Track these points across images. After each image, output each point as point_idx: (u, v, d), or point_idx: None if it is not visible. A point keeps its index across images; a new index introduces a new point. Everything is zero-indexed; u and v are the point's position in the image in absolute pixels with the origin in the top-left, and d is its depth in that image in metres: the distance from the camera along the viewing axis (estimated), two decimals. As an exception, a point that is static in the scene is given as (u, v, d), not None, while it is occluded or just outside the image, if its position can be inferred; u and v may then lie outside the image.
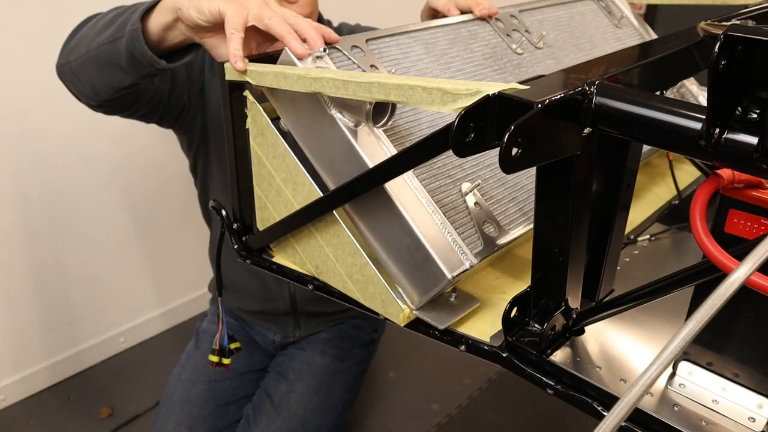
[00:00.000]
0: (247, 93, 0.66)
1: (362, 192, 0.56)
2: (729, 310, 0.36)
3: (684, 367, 0.50)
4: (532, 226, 0.63)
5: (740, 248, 0.40)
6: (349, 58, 0.63)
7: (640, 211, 0.79)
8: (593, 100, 0.43)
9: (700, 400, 0.49)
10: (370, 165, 0.56)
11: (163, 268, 1.91)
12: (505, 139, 0.38)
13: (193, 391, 1.21)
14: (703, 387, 0.49)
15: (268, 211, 0.70)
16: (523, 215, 0.63)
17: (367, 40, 0.66)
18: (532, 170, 0.67)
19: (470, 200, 0.60)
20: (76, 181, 1.62)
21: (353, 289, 0.63)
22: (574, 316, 0.54)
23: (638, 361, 0.53)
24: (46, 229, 1.61)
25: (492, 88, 0.42)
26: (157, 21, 0.76)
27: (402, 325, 0.60)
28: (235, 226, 0.74)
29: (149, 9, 0.77)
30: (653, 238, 0.74)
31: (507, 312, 0.52)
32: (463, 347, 0.57)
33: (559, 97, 0.41)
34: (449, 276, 0.54)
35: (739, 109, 0.36)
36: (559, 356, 0.53)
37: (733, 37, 0.34)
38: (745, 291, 0.34)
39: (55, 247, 1.64)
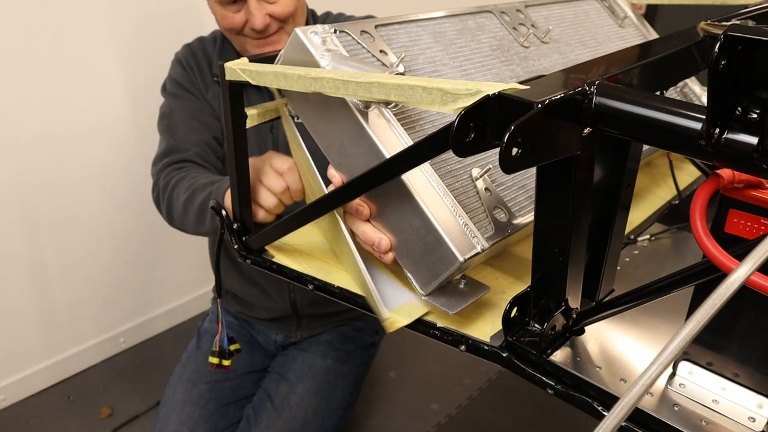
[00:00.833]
0: (282, 108, 0.67)
1: (364, 192, 0.56)
2: (729, 310, 0.36)
3: (684, 367, 0.50)
4: None
5: (740, 248, 0.40)
6: (359, 43, 0.63)
7: (640, 211, 0.79)
8: (593, 100, 0.43)
9: (700, 400, 0.49)
10: (381, 147, 0.56)
11: (163, 268, 1.91)
12: (505, 139, 0.38)
13: (194, 392, 1.21)
14: (703, 387, 0.49)
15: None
16: (531, 202, 0.63)
17: (376, 27, 0.66)
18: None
19: (480, 185, 0.60)
20: (77, 181, 1.62)
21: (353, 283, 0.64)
22: (574, 316, 0.54)
23: (638, 361, 0.53)
24: (47, 228, 1.61)
25: (492, 88, 0.42)
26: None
27: (388, 332, 0.59)
28: (235, 226, 0.74)
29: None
30: (653, 238, 0.74)
31: (507, 312, 0.52)
32: (463, 347, 0.57)
33: (559, 97, 0.41)
34: (461, 259, 0.54)
35: (739, 109, 0.36)
36: (559, 356, 0.53)
37: (733, 37, 0.34)
38: (745, 291, 0.34)
39: (56, 246, 1.64)
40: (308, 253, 0.73)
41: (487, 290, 0.59)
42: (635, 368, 0.52)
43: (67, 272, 1.69)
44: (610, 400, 0.49)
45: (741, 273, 0.32)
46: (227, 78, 0.64)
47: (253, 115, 0.69)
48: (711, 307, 0.32)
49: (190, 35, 1.20)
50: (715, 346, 0.48)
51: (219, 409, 1.22)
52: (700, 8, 0.94)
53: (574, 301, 0.54)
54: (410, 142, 0.56)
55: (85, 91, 1.57)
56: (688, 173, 0.90)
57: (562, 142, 0.43)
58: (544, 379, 0.52)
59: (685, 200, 0.82)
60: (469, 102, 0.42)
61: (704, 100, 0.91)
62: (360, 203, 0.59)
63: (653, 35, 0.98)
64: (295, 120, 0.65)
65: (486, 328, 0.58)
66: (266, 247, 0.74)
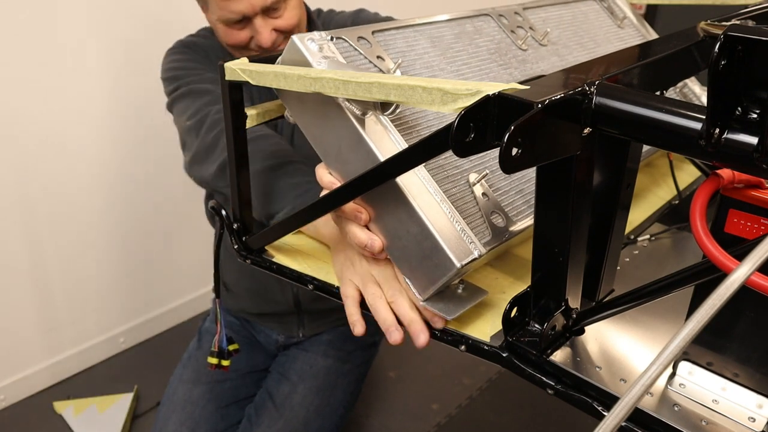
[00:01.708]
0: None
1: (364, 191, 0.56)
2: (729, 310, 0.36)
3: (684, 367, 0.50)
4: None
5: (740, 248, 0.40)
6: (356, 49, 0.63)
7: (640, 211, 0.79)
8: (593, 100, 0.43)
9: (700, 400, 0.49)
10: (378, 154, 0.56)
11: (163, 268, 1.91)
12: (505, 139, 0.38)
13: (195, 392, 1.21)
14: (703, 387, 0.49)
15: None
16: (529, 207, 0.63)
17: (373, 32, 0.66)
18: (539, 164, 0.67)
19: (478, 191, 0.60)
20: (77, 181, 1.62)
21: None
22: (574, 316, 0.54)
23: (638, 361, 0.53)
24: (47, 228, 1.61)
25: (492, 88, 0.42)
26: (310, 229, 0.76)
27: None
28: (235, 226, 0.74)
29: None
30: (653, 238, 0.74)
31: (507, 312, 0.52)
32: (463, 347, 0.57)
33: (559, 97, 0.41)
34: (458, 265, 0.54)
35: (739, 109, 0.36)
36: (559, 356, 0.53)
37: (733, 37, 0.34)
38: (745, 291, 0.34)
39: (56, 246, 1.64)
40: (308, 253, 0.73)
41: (485, 295, 0.59)
42: (635, 368, 0.52)
43: (67, 272, 1.69)
44: (610, 400, 0.49)
45: (741, 273, 0.32)
46: (227, 78, 0.64)
47: (253, 115, 0.69)
48: (711, 307, 0.32)
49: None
50: (715, 346, 0.48)
51: (219, 410, 1.22)
52: (700, 8, 0.94)
53: (574, 301, 0.54)
54: (407, 149, 0.56)
55: (86, 91, 1.57)
56: (688, 173, 0.90)
57: (562, 142, 0.43)
58: (544, 379, 0.52)
59: (685, 200, 0.82)
60: (469, 102, 0.42)
61: (704, 100, 0.91)
62: (358, 208, 0.59)
63: (653, 35, 0.98)
64: (291, 123, 0.65)
65: (486, 328, 0.58)
66: (266, 247, 0.74)
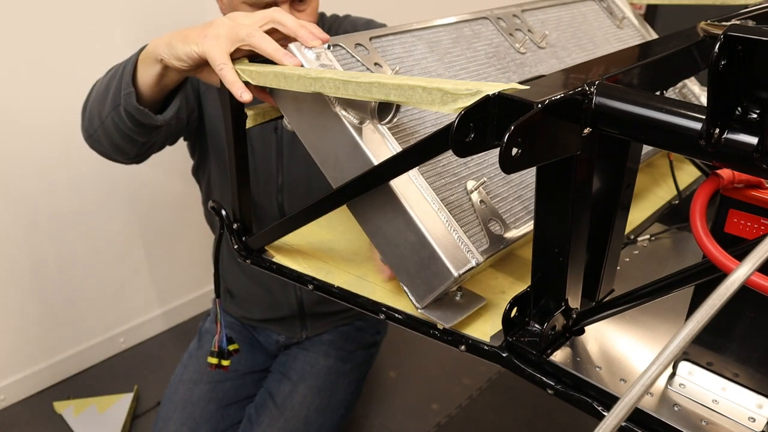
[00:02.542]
0: None
1: (364, 191, 0.56)
2: (729, 310, 0.36)
3: (684, 367, 0.50)
4: None
5: (740, 248, 0.40)
6: (353, 56, 0.63)
7: (640, 211, 0.79)
8: (593, 100, 0.43)
9: (700, 400, 0.49)
10: (375, 163, 0.56)
11: (163, 268, 1.91)
12: (505, 139, 0.38)
13: (195, 392, 1.21)
14: (703, 387, 0.49)
15: None
16: (528, 213, 0.63)
17: (370, 39, 0.66)
18: (537, 169, 0.67)
19: (475, 198, 0.60)
20: (78, 182, 1.62)
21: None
22: (574, 316, 0.54)
23: (638, 361, 0.53)
24: (47, 228, 1.61)
25: (492, 88, 0.42)
26: (146, 75, 0.77)
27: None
28: (235, 226, 0.74)
29: (135, 66, 0.79)
30: (653, 238, 0.74)
31: (507, 312, 0.52)
32: (463, 347, 0.57)
33: (559, 97, 0.41)
34: (455, 274, 0.54)
35: (739, 109, 0.36)
36: (559, 356, 0.53)
37: (733, 37, 0.34)
38: (745, 291, 0.34)
39: (56, 246, 1.64)
40: (308, 253, 0.73)
41: (483, 302, 0.59)
42: (635, 368, 0.52)
43: (67, 272, 1.69)
44: (610, 400, 0.49)
45: (741, 273, 0.32)
46: (227, 78, 0.64)
47: (253, 115, 0.69)
48: (711, 307, 0.32)
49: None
50: (715, 346, 0.48)
51: (220, 410, 1.22)
52: (700, 8, 0.94)
53: (574, 301, 0.54)
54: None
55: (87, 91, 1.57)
56: (688, 173, 0.90)
57: (562, 142, 0.43)
58: (544, 379, 0.52)
59: (685, 200, 0.82)
60: (469, 102, 0.42)
61: (704, 100, 0.91)
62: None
63: (653, 35, 0.98)
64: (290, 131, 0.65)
65: (486, 328, 0.58)
66: (266, 247, 0.74)
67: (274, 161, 1.13)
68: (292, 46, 0.61)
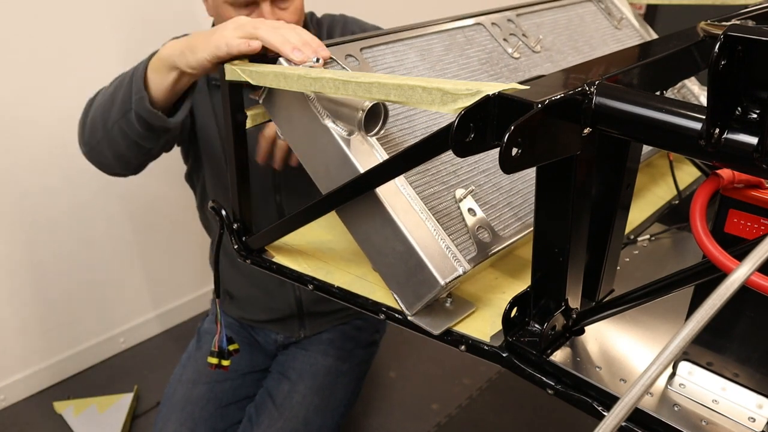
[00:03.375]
0: None
1: (361, 193, 0.56)
2: (729, 310, 0.36)
3: (684, 367, 0.50)
4: (527, 231, 0.63)
5: (740, 248, 0.40)
6: (344, 68, 0.63)
7: (640, 211, 0.79)
8: (593, 100, 0.43)
9: (700, 400, 0.49)
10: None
11: (162, 269, 1.91)
12: (505, 139, 0.38)
13: (194, 392, 1.21)
14: (703, 387, 0.49)
15: None
16: (518, 220, 0.64)
17: (361, 49, 0.66)
18: (528, 175, 0.68)
19: (464, 206, 0.61)
20: (77, 183, 1.62)
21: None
22: (574, 316, 0.54)
23: (638, 361, 0.53)
24: (47, 229, 1.61)
25: (492, 88, 0.42)
26: (161, 82, 0.79)
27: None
28: (235, 226, 0.74)
29: (145, 71, 0.81)
30: (653, 238, 0.74)
31: (507, 312, 0.52)
32: (463, 347, 0.57)
33: (559, 97, 0.41)
34: (442, 282, 0.55)
35: (739, 109, 0.36)
36: (559, 356, 0.53)
37: (733, 37, 0.34)
38: (745, 291, 0.34)
39: (56, 247, 1.64)
40: (308, 253, 0.73)
41: (472, 308, 0.60)
42: (635, 368, 0.52)
43: (66, 272, 1.69)
44: (610, 400, 0.49)
45: (741, 273, 0.32)
46: (227, 78, 0.64)
47: (253, 115, 0.69)
48: (711, 307, 0.32)
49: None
50: (715, 346, 0.48)
51: (219, 410, 1.22)
52: (700, 8, 0.94)
53: (574, 301, 0.54)
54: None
55: (87, 92, 1.57)
56: (688, 173, 0.90)
57: (562, 142, 0.43)
58: (544, 379, 0.52)
59: (685, 200, 0.82)
60: (468, 102, 0.42)
61: (703, 100, 0.91)
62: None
63: (652, 35, 0.98)
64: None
65: (486, 328, 0.58)
66: (266, 247, 0.74)
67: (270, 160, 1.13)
68: (282, 59, 0.62)
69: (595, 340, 0.55)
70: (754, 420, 0.46)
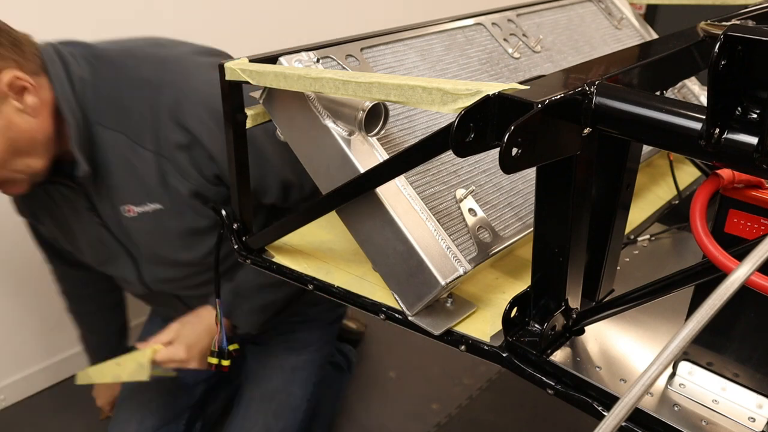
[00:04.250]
0: None
1: (362, 193, 0.56)
2: (729, 310, 0.36)
3: (684, 367, 0.50)
4: (527, 231, 0.63)
5: (740, 248, 0.40)
6: (344, 68, 0.63)
7: (640, 211, 0.79)
8: (593, 100, 0.43)
9: (700, 400, 0.49)
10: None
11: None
12: (505, 139, 0.38)
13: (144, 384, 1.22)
14: (703, 387, 0.49)
15: None
16: (518, 220, 0.64)
17: (361, 49, 0.66)
18: (529, 175, 0.68)
19: (465, 206, 0.61)
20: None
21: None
22: (574, 316, 0.54)
23: (638, 361, 0.53)
24: (46, 229, 1.61)
25: (492, 88, 0.42)
26: None
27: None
28: (235, 226, 0.74)
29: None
30: (653, 238, 0.74)
31: (507, 312, 0.52)
32: (463, 347, 0.57)
33: (559, 97, 0.41)
34: (443, 282, 0.55)
35: (739, 109, 0.36)
36: (559, 356, 0.53)
37: (733, 37, 0.34)
38: (745, 291, 0.34)
39: (55, 247, 1.64)
40: (308, 253, 0.73)
41: (473, 308, 0.60)
42: (635, 368, 0.52)
43: (67, 272, 1.69)
44: (610, 400, 0.49)
45: (741, 273, 0.32)
46: (227, 78, 0.64)
47: (253, 115, 0.69)
48: (711, 307, 0.32)
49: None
50: (715, 346, 0.48)
51: (169, 398, 1.25)
52: (700, 8, 0.94)
53: (574, 301, 0.54)
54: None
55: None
56: (688, 173, 0.90)
57: (562, 142, 0.43)
58: (544, 379, 0.52)
59: (685, 200, 0.82)
60: (468, 102, 0.42)
61: (704, 100, 0.91)
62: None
63: (652, 35, 0.98)
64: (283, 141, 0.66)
65: (486, 328, 0.58)
66: (266, 247, 0.74)
67: None
68: (282, 59, 0.62)
69: (595, 340, 0.55)
70: (754, 420, 0.46)
